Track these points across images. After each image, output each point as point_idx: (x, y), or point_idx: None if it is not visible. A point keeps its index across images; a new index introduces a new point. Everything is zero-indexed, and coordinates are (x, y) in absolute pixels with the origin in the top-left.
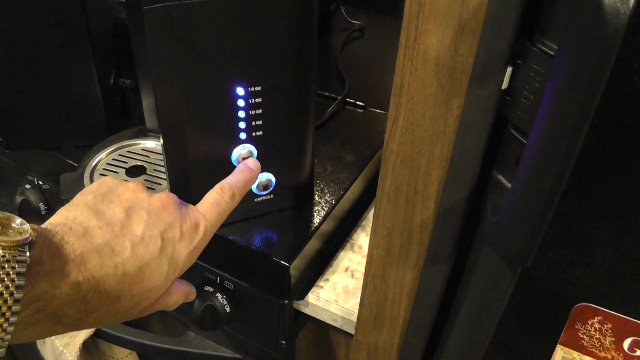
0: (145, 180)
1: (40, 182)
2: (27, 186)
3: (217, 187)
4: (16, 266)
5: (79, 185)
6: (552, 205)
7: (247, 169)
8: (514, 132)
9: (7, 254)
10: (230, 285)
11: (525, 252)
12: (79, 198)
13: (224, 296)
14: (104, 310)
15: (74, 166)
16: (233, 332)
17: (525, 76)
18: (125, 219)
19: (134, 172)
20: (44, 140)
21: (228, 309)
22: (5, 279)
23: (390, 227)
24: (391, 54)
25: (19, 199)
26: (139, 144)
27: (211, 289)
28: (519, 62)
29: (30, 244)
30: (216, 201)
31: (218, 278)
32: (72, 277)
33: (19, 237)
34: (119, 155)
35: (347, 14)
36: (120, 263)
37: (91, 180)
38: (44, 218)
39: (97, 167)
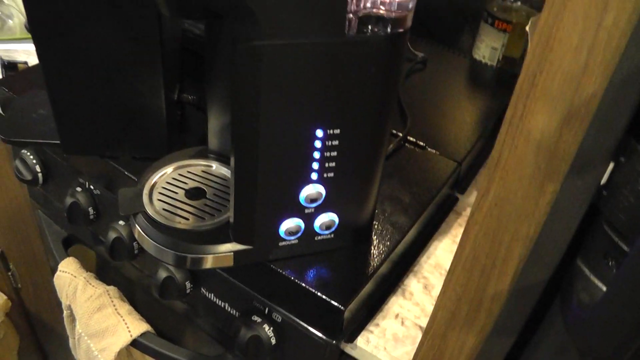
0: (205, 204)
1: (92, 187)
2: (79, 189)
3: None
4: None
5: (137, 202)
6: None
7: None
8: (606, 229)
9: None
10: (278, 318)
11: (612, 357)
12: None
13: (271, 328)
14: None
15: (128, 177)
16: None
17: (626, 175)
18: None
19: (194, 194)
20: (102, 148)
21: (273, 341)
22: None
23: (460, 292)
24: (451, 90)
25: (69, 200)
26: (200, 164)
27: (259, 319)
28: (622, 159)
29: None
30: None
31: (267, 309)
32: None
33: None
34: (179, 174)
35: (410, 44)
36: None
37: (149, 198)
38: (91, 222)
39: (157, 185)
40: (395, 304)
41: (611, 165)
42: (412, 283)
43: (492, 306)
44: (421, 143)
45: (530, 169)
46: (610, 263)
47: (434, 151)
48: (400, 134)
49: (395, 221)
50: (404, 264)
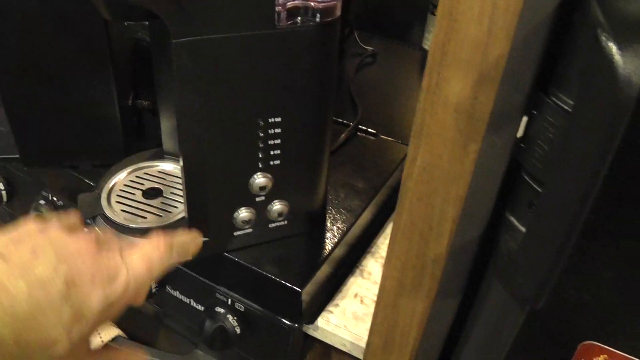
0: (162, 202)
1: (55, 199)
2: (42, 202)
3: (154, 239)
4: None
5: (96, 206)
6: (564, 252)
7: (188, 232)
8: (527, 179)
9: None
10: (241, 307)
11: (537, 294)
12: None
13: (235, 317)
14: None
15: (90, 185)
16: (242, 352)
17: (539, 127)
18: (30, 259)
19: (151, 194)
20: (61, 159)
21: (238, 331)
22: None
23: (404, 260)
24: (403, 81)
25: (32, 213)
26: (156, 165)
27: (222, 310)
28: (534, 112)
29: None
30: (147, 255)
31: (229, 300)
32: None
33: None
34: (136, 176)
35: (360, 40)
36: (10, 304)
37: (108, 202)
38: None
39: (114, 188)
40: (354, 284)
41: (525, 119)
42: (370, 263)
43: (434, 269)
44: (373, 131)
45: (452, 132)
46: (533, 210)
47: (387, 138)
48: (352, 124)
49: (348, 205)
50: (361, 246)
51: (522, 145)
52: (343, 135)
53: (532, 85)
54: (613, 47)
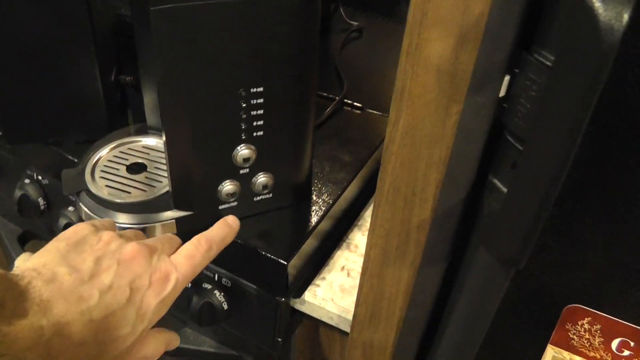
0: (146, 177)
1: (40, 177)
2: (27, 181)
3: (194, 239)
4: None
5: (80, 181)
6: (545, 210)
7: (227, 225)
8: (510, 139)
9: None
10: (228, 282)
11: (519, 253)
12: (52, 244)
13: (222, 293)
14: (68, 356)
15: (74, 162)
16: (230, 328)
17: (522, 85)
18: (95, 267)
19: (135, 169)
20: (44, 135)
21: (225, 306)
22: None
23: (388, 227)
24: (389, 56)
25: (18, 193)
26: (140, 141)
27: (209, 286)
28: (517, 71)
29: None
30: (191, 254)
31: (216, 275)
32: (36, 321)
33: None
34: (120, 152)
35: (346, 15)
36: (87, 310)
37: (92, 177)
38: (42, 213)
39: (98, 164)
40: (341, 257)
41: (507, 78)
42: (357, 236)
43: (419, 236)
44: (359, 104)
45: (434, 94)
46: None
47: (372, 111)
48: (338, 98)
49: (334, 178)
50: (347, 219)
51: (505, 105)
52: (329, 109)
53: (514, 43)
54: None
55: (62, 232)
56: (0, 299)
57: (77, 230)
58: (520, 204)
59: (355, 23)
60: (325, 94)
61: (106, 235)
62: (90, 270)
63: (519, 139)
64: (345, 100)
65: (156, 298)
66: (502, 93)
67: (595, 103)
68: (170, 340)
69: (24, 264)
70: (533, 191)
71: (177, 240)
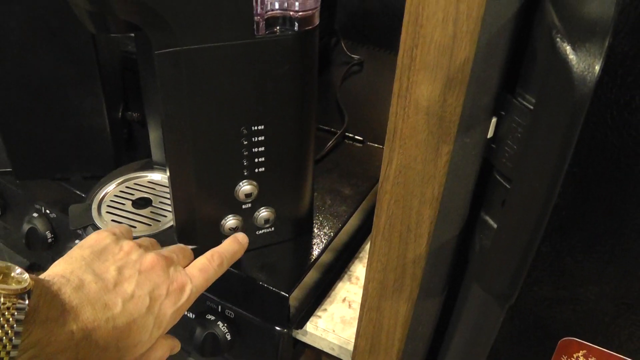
0: (151, 212)
1: (48, 211)
2: (35, 215)
3: (207, 254)
4: (15, 313)
5: (86, 216)
6: (533, 246)
7: (237, 242)
8: (499, 178)
9: (7, 302)
10: (231, 314)
11: (509, 288)
12: (77, 251)
13: (225, 324)
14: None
15: (81, 197)
16: (233, 359)
17: (508, 127)
18: (118, 276)
19: (141, 204)
20: (52, 171)
21: (229, 337)
22: (5, 325)
23: (385, 262)
24: (389, 88)
25: (26, 227)
26: (146, 176)
27: (213, 317)
28: (503, 113)
29: (28, 292)
30: (205, 267)
31: (219, 307)
32: (67, 326)
33: (18, 286)
34: (126, 187)
35: (347, 49)
36: (111, 317)
37: (98, 212)
38: (50, 246)
39: (105, 199)
40: (342, 289)
41: (494, 120)
42: (358, 268)
43: (415, 270)
44: (360, 138)
45: (424, 135)
46: None
47: (373, 144)
48: (339, 132)
49: (335, 211)
50: (349, 252)
51: (493, 146)
52: (330, 142)
53: (499, 86)
54: (567, 48)
55: (84, 240)
56: (35, 304)
57: (99, 238)
58: (509, 240)
59: (356, 56)
60: (326, 128)
61: (127, 244)
62: (114, 279)
63: (507, 178)
64: (347, 134)
65: (172, 307)
66: (490, 134)
67: (575, 145)
68: (173, 345)
69: (52, 268)
70: (520, 228)
71: (189, 251)
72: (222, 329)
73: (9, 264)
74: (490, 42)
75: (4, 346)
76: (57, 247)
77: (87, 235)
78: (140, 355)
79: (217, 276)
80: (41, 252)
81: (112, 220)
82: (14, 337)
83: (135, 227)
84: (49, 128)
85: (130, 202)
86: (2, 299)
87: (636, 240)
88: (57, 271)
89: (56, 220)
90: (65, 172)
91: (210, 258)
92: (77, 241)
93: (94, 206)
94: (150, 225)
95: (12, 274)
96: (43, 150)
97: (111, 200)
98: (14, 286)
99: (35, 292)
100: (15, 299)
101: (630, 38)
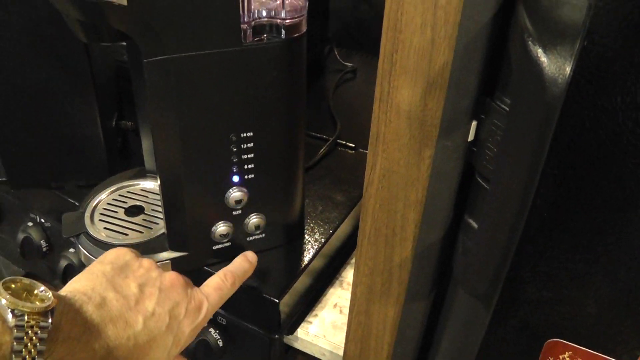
0: (144, 219)
1: (42, 220)
2: (30, 224)
3: (220, 273)
4: (39, 332)
5: (79, 224)
6: (512, 246)
7: (246, 261)
8: (480, 180)
9: (31, 320)
10: (223, 320)
11: (489, 289)
12: (97, 267)
13: (217, 331)
14: None
15: (75, 205)
16: None
17: (488, 130)
18: (139, 294)
19: (133, 211)
20: (47, 180)
21: (221, 344)
22: (29, 344)
23: (372, 266)
24: None
25: (21, 236)
26: (138, 184)
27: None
28: (483, 117)
29: (52, 311)
30: (219, 286)
31: None
32: (89, 344)
33: (42, 305)
34: (119, 195)
35: (340, 56)
36: (132, 335)
37: (91, 220)
38: (44, 255)
39: (98, 207)
40: (334, 294)
41: (475, 124)
42: (350, 274)
43: (401, 273)
44: (352, 144)
45: (406, 139)
46: None
47: (365, 151)
48: (331, 139)
49: (326, 218)
50: (340, 257)
51: (474, 149)
52: (322, 149)
53: (478, 90)
54: (539, 50)
55: (104, 255)
56: (57, 322)
57: (120, 254)
58: (488, 241)
59: (349, 64)
60: (318, 135)
61: (146, 262)
62: (135, 297)
63: (487, 181)
64: (339, 141)
65: (190, 326)
66: (470, 137)
67: (551, 146)
68: None
69: (73, 285)
70: (499, 228)
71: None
72: (214, 335)
73: (34, 281)
74: (468, 46)
75: None
76: (52, 256)
77: (80, 243)
78: None
79: (230, 294)
80: (36, 261)
81: (105, 228)
82: (36, 356)
83: (127, 234)
84: (43, 137)
85: (123, 210)
86: (26, 318)
87: (618, 241)
88: (78, 288)
89: (51, 229)
90: (59, 181)
91: (223, 277)
92: (72, 250)
93: (87, 214)
94: (142, 232)
95: (36, 292)
96: (38, 159)
97: (104, 208)
98: (37, 304)
99: (58, 310)
100: (39, 317)
101: (605, 41)
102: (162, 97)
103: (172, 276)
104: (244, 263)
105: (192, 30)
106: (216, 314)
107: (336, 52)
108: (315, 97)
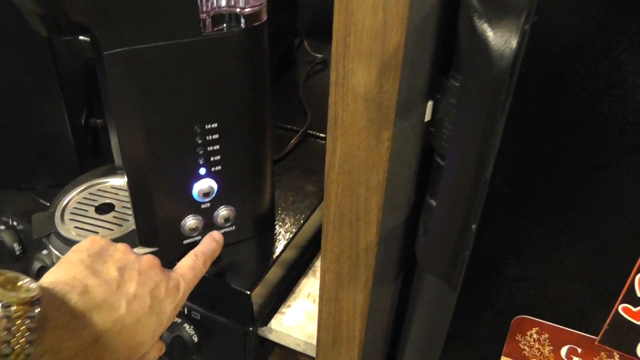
0: (114, 216)
1: (15, 223)
2: (2, 227)
3: (191, 253)
4: (27, 322)
5: (49, 224)
6: (469, 224)
7: (214, 240)
8: (438, 160)
9: (19, 311)
10: (197, 315)
11: (450, 267)
12: (74, 256)
13: (192, 326)
14: None
15: (47, 206)
16: None
17: (444, 109)
18: (119, 277)
19: (104, 209)
20: (17, 181)
21: (196, 339)
22: (18, 334)
23: (338, 252)
24: None
25: None
26: (108, 182)
27: (179, 320)
28: (438, 96)
29: (38, 300)
30: (192, 266)
31: (185, 309)
32: (77, 331)
33: (28, 294)
34: (89, 193)
35: (311, 48)
36: (118, 319)
37: (62, 219)
38: (18, 258)
39: (68, 206)
40: (307, 284)
41: (431, 103)
42: None
43: (368, 258)
44: (323, 135)
45: (364, 122)
46: None
47: None
48: (302, 130)
49: (298, 208)
50: (313, 247)
51: (432, 129)
52: (292, 140)
53: (433, 70)
54: (485, 26)
55: (78, 244)
56: (44, 312)
57: (94, 241)
58: (445, 220)
59: (319, 55)
60: (289, 126)
61: (121, 245)
62: (116, 281)
63: (445, 160)
64: (309, 132)
65: (171, 305)
66: (427, 117)
67: (499, 121)
68: (161, 347)
69: (52, 275)
70: (455, 206)
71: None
72: (189, 331)
73: (18, 273)
74: (420, 26)
75: (18, 355)
76: (26, 258)
77: (51, 243)
78: (142, 355)
79: (203, 273)
80: (10, 265)
81: (75, 227)
82: (27, 346)
83: (97, 232)
84: (10, 137)
85: (94, 208)
86: (14, 308)
87: (580, 215)
88: (59, 278)
89: (24, 232)
90: (29, 181)
91: (195, 258)
92: (44, 251)
93: (57, 214)
94: (112, 230)
95: (20, 283)
96: (6, 160)
97: (74, 207)
98: (24, 295)
99: (43, 299)
100: (26, 307)
101: (555, 15)
102: (123, 89)
103: (149, 258)
104: (211, 243)
105: (151, 21)
106: (190, 309)
107: (306, 44)
108: (286, 89)
